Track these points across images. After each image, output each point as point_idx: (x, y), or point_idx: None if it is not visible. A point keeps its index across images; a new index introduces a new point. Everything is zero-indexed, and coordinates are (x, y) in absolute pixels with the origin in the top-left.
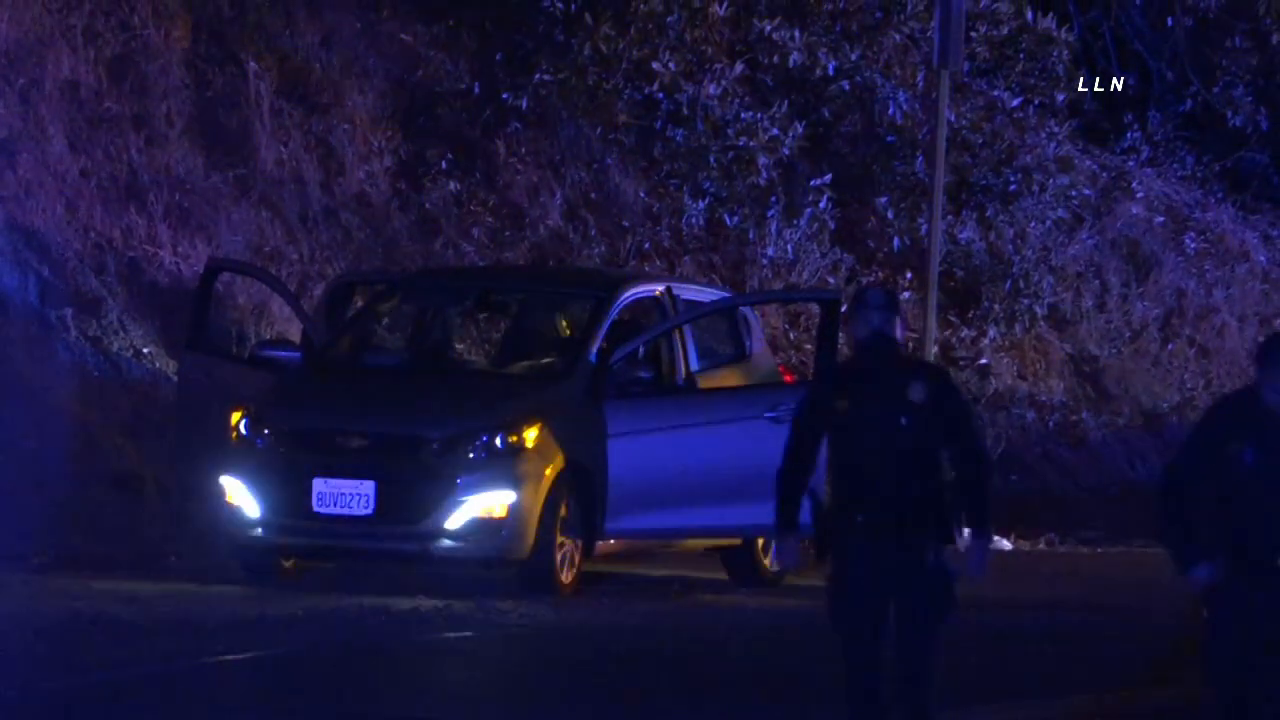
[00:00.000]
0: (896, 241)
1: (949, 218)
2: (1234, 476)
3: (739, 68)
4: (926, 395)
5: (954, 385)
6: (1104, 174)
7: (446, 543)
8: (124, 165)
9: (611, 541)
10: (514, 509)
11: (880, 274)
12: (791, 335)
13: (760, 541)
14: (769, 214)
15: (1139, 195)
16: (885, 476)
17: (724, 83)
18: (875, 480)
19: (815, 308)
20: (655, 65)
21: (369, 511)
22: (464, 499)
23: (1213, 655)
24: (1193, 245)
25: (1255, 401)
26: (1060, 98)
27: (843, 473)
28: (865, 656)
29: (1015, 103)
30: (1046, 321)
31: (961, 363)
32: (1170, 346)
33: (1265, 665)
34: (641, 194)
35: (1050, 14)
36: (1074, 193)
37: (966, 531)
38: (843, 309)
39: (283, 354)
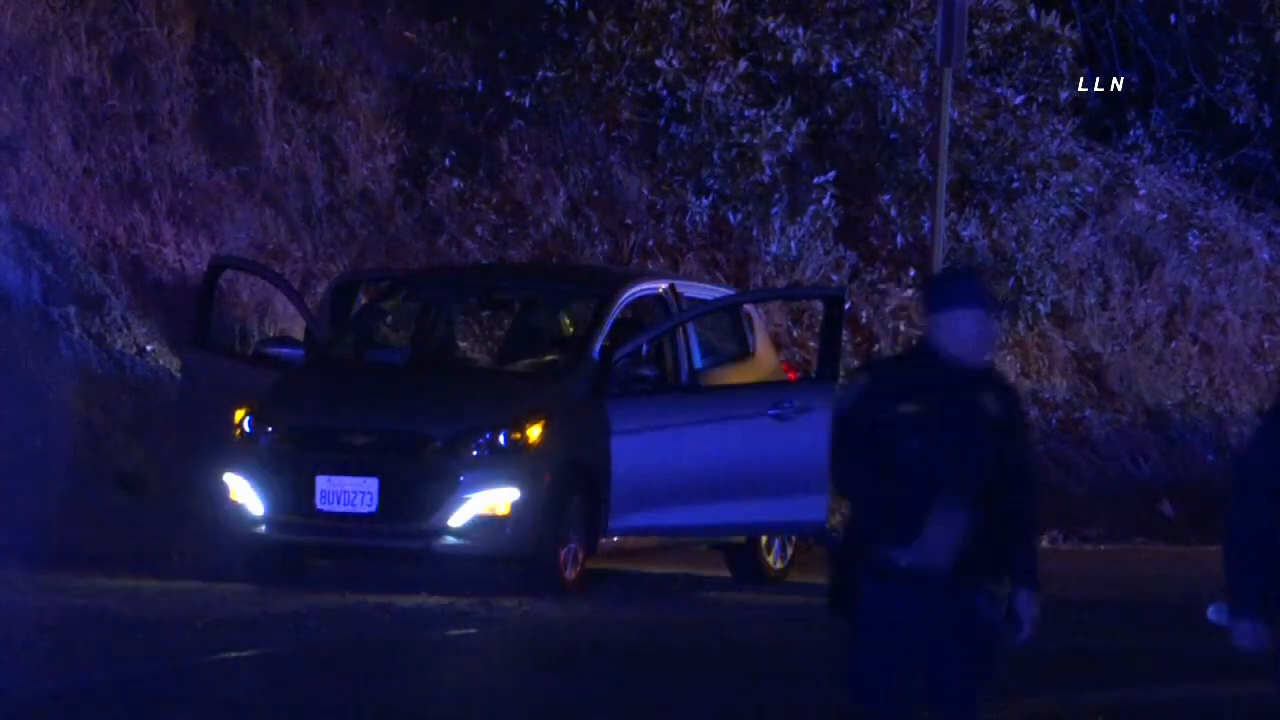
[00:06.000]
0: (900, 239)
1: (952, 215)
2: None
3: (742, 65)
4: (1000, 409)
5: (1020, 399)
6: (1107, 171)
7: (450, 540)
8: (127, 163)
9: (615, 539)
10: (517, 506)
11: (884, 271)
12: (795, 333)
13: (764, 539)
14: (772, 211)
15: (1142, 192)
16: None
17: (727, 80)
18: (930, 510)
19: (819, 305)
20: (659, 62)
21: (372, 509)
22: (467, 496)
23: None
24: (1196, 242)
25: None
26: (1063, 95)
27: (885, 497)
28: None
29: (1018, 100)
30: (1049, 319)
31: None
32: (1174, 344)
33: None
34: (645, 191)
35: (1053, 11)
36: (1077, 190)
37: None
38: (846, 306)
39: (286, 351)
